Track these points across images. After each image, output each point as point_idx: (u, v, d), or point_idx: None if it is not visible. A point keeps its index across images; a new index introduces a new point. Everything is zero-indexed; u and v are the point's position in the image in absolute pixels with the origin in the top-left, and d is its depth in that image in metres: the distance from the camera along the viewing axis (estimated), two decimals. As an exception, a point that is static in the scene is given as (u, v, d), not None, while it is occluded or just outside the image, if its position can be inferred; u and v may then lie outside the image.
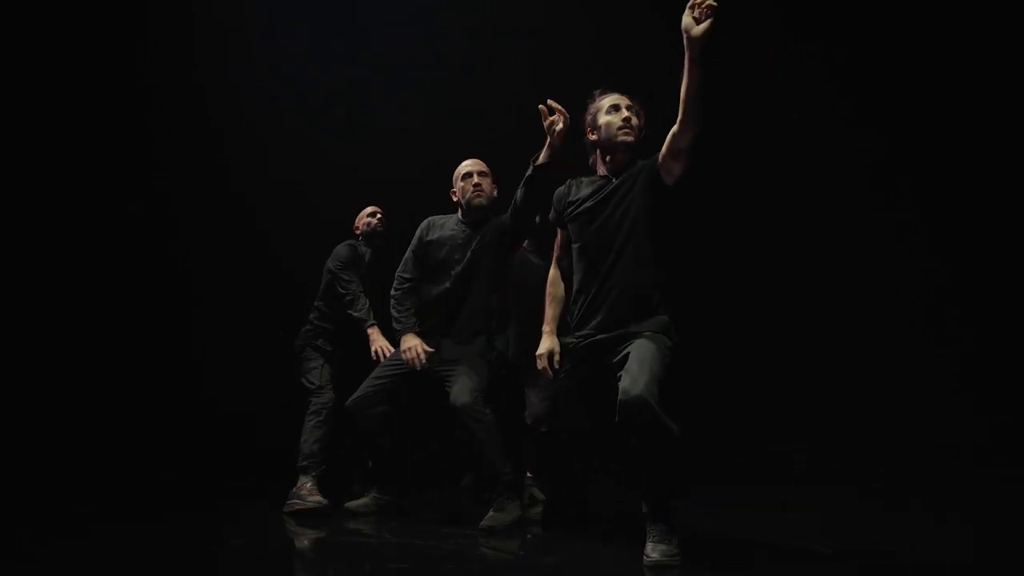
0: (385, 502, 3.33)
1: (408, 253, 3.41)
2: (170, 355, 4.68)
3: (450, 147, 3.63)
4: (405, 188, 4.64)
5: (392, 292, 3.38)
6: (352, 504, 3.37)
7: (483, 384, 3.10)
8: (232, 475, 4.31)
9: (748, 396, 4.50)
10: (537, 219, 3.31)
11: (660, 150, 2.49)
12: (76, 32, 4.48)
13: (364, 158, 4.86)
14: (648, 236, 2.52)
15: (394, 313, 3.33)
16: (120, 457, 4.27)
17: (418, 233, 3.40)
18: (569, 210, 2.68)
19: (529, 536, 2.90)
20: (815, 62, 4.67)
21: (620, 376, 2.34)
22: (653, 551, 2.28)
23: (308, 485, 3.42)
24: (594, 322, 2.58)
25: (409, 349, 3.18)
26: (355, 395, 3.24)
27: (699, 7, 2.17)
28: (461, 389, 3.03)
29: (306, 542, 2.88)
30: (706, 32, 2.17)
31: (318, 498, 3.37)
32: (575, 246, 2.68)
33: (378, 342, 3.59)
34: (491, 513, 2.95)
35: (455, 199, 3.37)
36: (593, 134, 2.65)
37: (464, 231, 3.29)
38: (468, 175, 3.28)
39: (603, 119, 2.60)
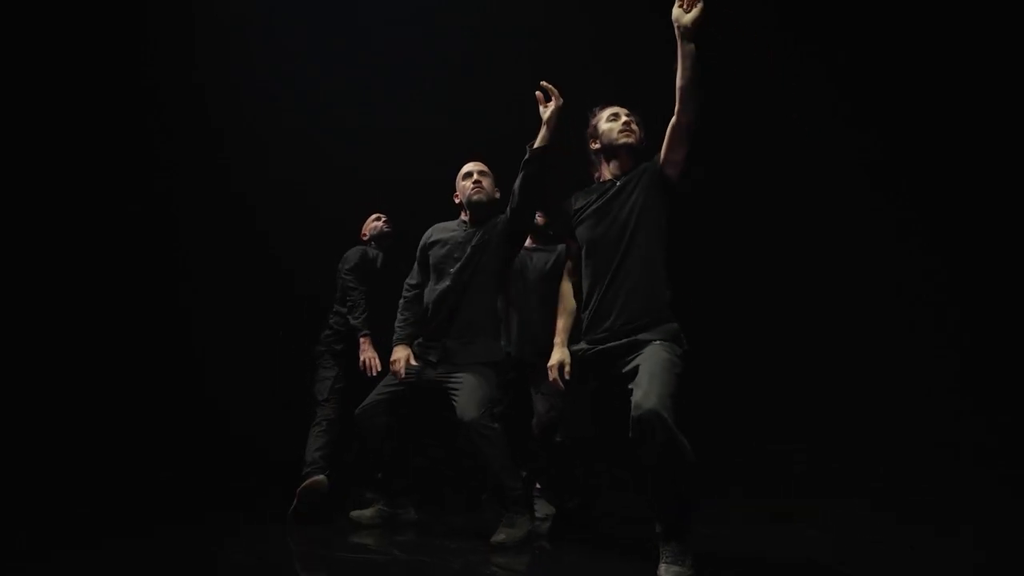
0: (390, 514, 3.30)
1: (416, 263, 3.44)
2: (169, 355, 4.67)
3: (450, 147, 3.64)
4: (404, 188, 4.66)
5: (400, 300, 3.41)
6: (357, 514, 3.35)
7: (490, 395, 3.04)
8: (231, 476, 4.30)
9: (748, 396, 4.50)
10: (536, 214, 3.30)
11: (661, 148, 2.52)
12: (76, 32, 4.48)
13: (364, 158, 4.86)
14: (654, 234, 2.53)
15: (396, 322, 3.35)
16: (119, 457, 4.26)
17: (422, 240, 3.41)
18: (576, 216, 2.71)
19: (539, 552, 2.82)
20: (815, 62, 4.67)
21: (631, 388, 2.33)
22: (666, 572, 2.23)
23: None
24: (604, 324, 2.56)
25: (395, 361, 3.22)
26: (363, 404, 3.25)
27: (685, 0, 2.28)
28: (468, 403, 2.96)
29: (311, 558, 2.79)
30: (696, 21, 2.27)
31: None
32: (583, 252, 2.68)
33: (367, 353, 3.70)
34: (501, 528, 2.89)
35: (457, 201, 3.38)
36: (595, 143, 2.71)
37: (465, 230, 3.29)
38: (468, 174, 3.29)
39: (603, 127, 2.69)
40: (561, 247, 3.68)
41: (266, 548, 2.86)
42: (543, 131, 2.91)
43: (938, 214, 4.42)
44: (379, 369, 3.70)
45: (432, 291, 3.26)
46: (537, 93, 2.88)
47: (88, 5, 4.48)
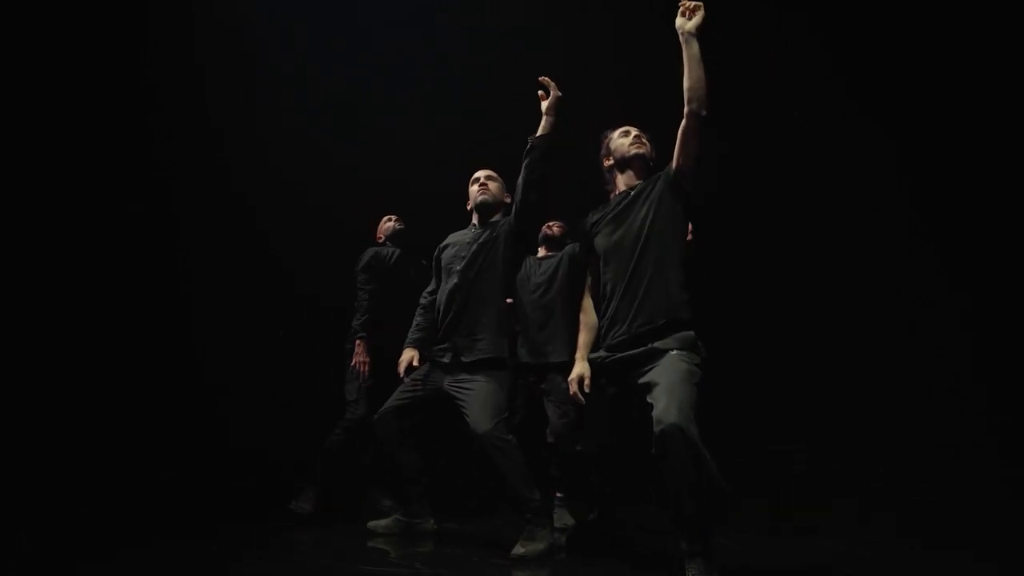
0: (407, 523, 3.27)
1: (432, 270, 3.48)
2: (169, 355, 4.66)
3: (451, 148, 3.64)
4: (402, 188, 4.67)
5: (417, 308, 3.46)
6: (374, 524, 3.33)
7: (502, 403, 3.02)
8: (231, 476, 4.29)
9: (748, 396, 4.49)
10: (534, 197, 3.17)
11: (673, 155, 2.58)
12: (76, 32, 4.47)
13: (364, 158, 4.86)
14: (669, 237, 2.56)
15: (411, 328, 3.39)
16: (119, 457, 4.25)
17: (436, 250, 3.44)
18: (593, 228, 2.76)
19: (560, 565, 2.79)
20: (814, 62, 4.67)
21: (649, 400, 2.34)
22: None
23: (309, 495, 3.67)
24: (621, 328, 2.56)
25: (400, 363, 3.26)
26: (381, 409, 3.25)
27: (687, 9, 2.46)
28: (480, 415, 2.94)
29: (335, 572, 2.69)
30: (696, 26, 2.44)
31: (308, 507, 3.63)
32: (601, 262, 2.71)
33: (358, 356, 3.82)
34: (521, 541, 2.85)
35: (468, 208, 3.40)
36: (609, 159, 2.79)
37: (472, 231, 3.31)
38: (476, 179, 3.34)
39: (616, 143, 2.78)
40: (564, 252, 3.75)
41: (285, 560, 2.80)
42: (543, 121, 2.98)
43: (937, 213, 4.42)
44: (367, 373, 3.84)
45: (442, 291, 3.27)
46: (539, 92, 2.97)
47: (88, 5, 4.48)
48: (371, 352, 3.87)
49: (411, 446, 3.21)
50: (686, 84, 2.44)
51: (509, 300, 3.75)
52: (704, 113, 2.44)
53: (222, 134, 4.83)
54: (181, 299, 4.78)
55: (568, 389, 3.56)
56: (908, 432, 4.22)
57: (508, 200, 3.31)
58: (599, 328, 2.70)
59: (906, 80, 4.51)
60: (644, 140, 2.75)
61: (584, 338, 2.79)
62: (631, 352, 2.50)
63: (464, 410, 3.00)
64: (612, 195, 2.82)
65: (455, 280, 3.19)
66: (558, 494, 3.39)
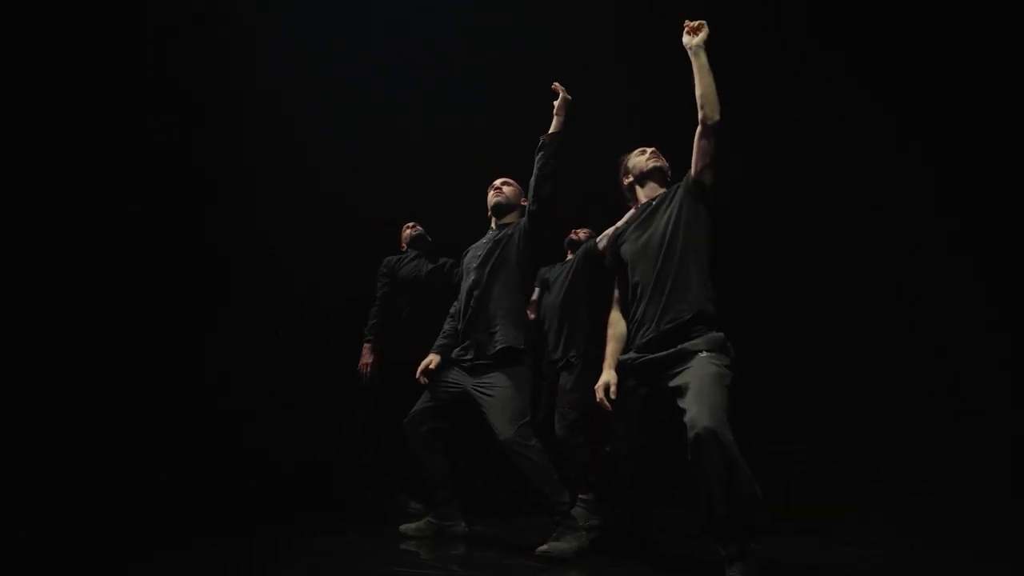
0: (439, 526, 3.28)
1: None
2: (171, 356, 4.68)
3: (456, 147, 3.65)
4: (400, 188, 4.68)
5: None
6: (406, 527, 3.34)
7: (523, 406, 3.04)
8: (232, 476, 4.31)
9: (748, 396, 4.48)
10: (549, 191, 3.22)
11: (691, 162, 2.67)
12: (73, 31, 4.49)
13: (364, 158, 4.86)
14: (692, 239, 2.61)
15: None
16: (124, 457, 4.27)
17: (461, 258, 3.51)
18: (619, 239, 2.83)
19: (588, 566, 2.78)
20: (815, 63, 4.67)
21: (680, 405, 2.38)
22: None
23: None
24: (648, 328, 2.59)
25: (420, 365, 3.31)
26: (410, 412, 3.29)
27: (692, 28, 2.62)
28: (501, 421, 2.97)
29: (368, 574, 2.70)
30: (702, 41, 2.60)
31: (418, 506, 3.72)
32: (629, 268, 2.75)
33: (363, 359, 4.04)
34: (549, 542, 2.84)
35: (488, 216, 3.45)
36: (628, 177, 2.90)
37: (490, 234, 3.38)
38: (492, 185, 3.41)
39: (633, 161, 2.89)
40: (580, 249, 3.86)
41: (323, 563, 2.78)
42: (554, 121, 3.13)
43: (937, 213, 4.42)
44: (368, 376, 4.02)
45: (461, 292, 3.33)
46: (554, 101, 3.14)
47: (103, 7, 4.53)
48: (376, 355, 4.02)
49: (439, 449, 3.24)
50: (697, 92, 2.57)
51: (534, 298, 3.93)
52: (716, 119, 2.55)
53: (227, 134, 4.84)
54: (184, 299, 4.79)
55: (568, 390, 3.67)
56: (908, 432, 4.22)
57: (524, 203, 3.35)
58: (628, 331, 2.74)
59: (904, 80, 4.51)
60: (659, 155, 2.87)
61: (611, 348, 2.81)
62: (660, 354, 2.53)
63: (486, 415, 3.03)
64: (632, 210, 2.91)
65: (472, 278, 3.26)
66: (581, 496, 3.40)
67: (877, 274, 4.55)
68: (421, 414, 3.24)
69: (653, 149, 2.89)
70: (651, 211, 2.74)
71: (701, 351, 2.45)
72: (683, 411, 2.35)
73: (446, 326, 3.40)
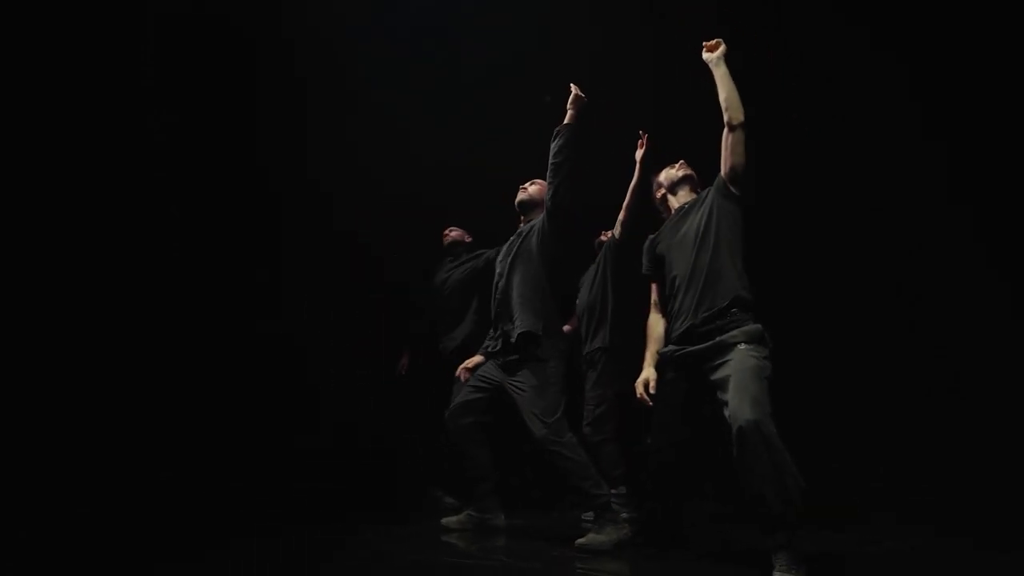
0: (479, 519, 3.34)
1: None
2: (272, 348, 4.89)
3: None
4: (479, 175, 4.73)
5: None
6: (447, 520, 3.41)
7: (554, 402, 3.10)
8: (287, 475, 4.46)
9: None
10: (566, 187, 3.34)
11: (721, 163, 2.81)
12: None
13: (444, 144, 4.93)
14: (724, 233, 2.71)
15: None
16: (171, 456, 4.42)
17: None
18: (656, 242, 2.96)
19: (628, 558, 2.83)
20: (814, 63, 4.68)
21: (721, 398, 2.45)
22: None
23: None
24: (686, 318, 2.68)
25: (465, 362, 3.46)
26: (451, 405, 3.38)
27: (710, 47, 2.83)
28: (533, 419, 3.06)
29: (437, 566, 2.75)
30: (721, 55, 2.80)
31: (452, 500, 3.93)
32: (666, 266, 2.86)
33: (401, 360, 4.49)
34: (589, 535, 2.92)
35: (517, 213, 3.59)
36: (660, 190, 3.06)
37: (519, 230, 3.51)
38: (521, 185, 3.57)
39: (664, 175, 3.06)
40: (602, 252, 4.03)
41: (386, 550, 2.90)
42: (568, 113, 3.29)
43: (936, 213, 4.42)
44: (404, 373, 4.41)
45: (493, 287, 3.46)
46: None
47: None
48: (408, 354, 4.47)
49: (481, 441, 3.32)
50: (721, 98, 2.75)
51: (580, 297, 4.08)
52: (741, 119, 2.70)
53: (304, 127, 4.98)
54: (284, 296, 5.02)
55: (592, 386, 3.79)
56: (908, 432, 4.22)
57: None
58: (668, 327, 2.84)
59: (904, 80, 4.52)
60: (688, 166, 3.04)
61: (651, 349, 2.91)
62: (700, 347, 2.61)
63: (521, 412, 3.12)
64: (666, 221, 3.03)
65: (497, 271, 3.44)
66: (613, 491, 3.42)
67: (877, 274, 4.55)
68: (463, 406, 3.31)
69: (682, 161, 3.05)
70: (684, 212, 2.88)
71: (740, 343, 2.52)
72: (724, 404, 2.42)
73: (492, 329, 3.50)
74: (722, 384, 2.47)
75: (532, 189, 3.51)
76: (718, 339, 2.56)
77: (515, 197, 3.55)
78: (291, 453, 4.63)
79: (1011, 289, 4.15)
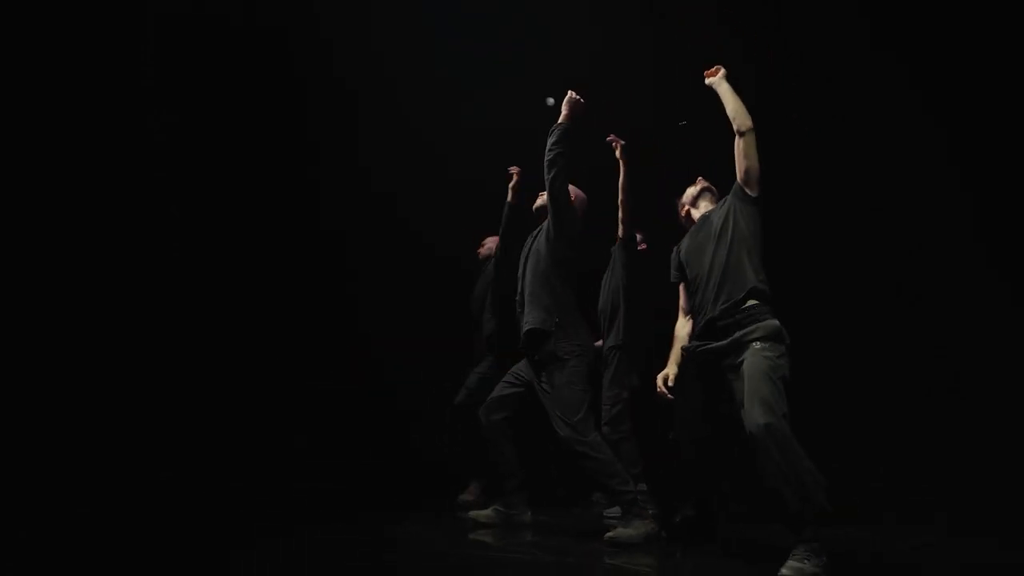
0: (506, 515, 3.42)
1: None
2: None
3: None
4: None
5: None
6: (476, 513, 3.52)
7: (576, 400, 3.17)
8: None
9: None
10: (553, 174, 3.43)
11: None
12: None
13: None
14: (740, 232, 2.82)
15: None
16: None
17: None
18: (681, 249, 3.08)
19: (657, 551, 2.91)
20: (814, 63, 4.68)
21: (738, 399, 2.57)
22: (786, 568, 2.32)
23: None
24: (705, 312, 2.79)
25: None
26: (487, 400, 3.51)
27: (711, 73, 3.01)
28: (557, 420, 3.15)
29: (482, 560, 2.85)
30: (722, 77, 2.98)
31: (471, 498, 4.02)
32: (688, 268, 2.99)
33: None
34: (618, 529, 3.01)
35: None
36: (684, 207, 3.21)
37: None
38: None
39: (686, 193, 3.22)
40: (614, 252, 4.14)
41: (427, 543, 3.02)
42: (562, 112, 3.42)
43: (935, 213, 4.42)
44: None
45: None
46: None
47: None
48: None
49: (508, 438, 3.42)
50: (728, 111, 2.91)
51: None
52: (749, 125, 2.85)
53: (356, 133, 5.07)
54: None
55: (608, 385, 3.88)
56: (908, 432, 4.22)
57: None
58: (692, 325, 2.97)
59: (903, 80, 4.52)
60: (705, 180, 3.19)
61: (675, 349, 3.07)
62: (718, 344, 2.71)
63: (548, 412, 3.22)
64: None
65: (518, 273, 3.55)
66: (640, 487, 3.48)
67: (877, 274, 4.54)
68: (498, 401, 3.44)
69: (699, 177, 3.20)
70: (705, 219, 3.03)
71: (755, 342, 2.61)
72: (740, 405, 2.53)
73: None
74: (737, 386, 2.58)
75: (546, 195, 3.61)
76: (736, 335, 2.65)
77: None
78: (314, 452, 4.69)
79: (1011, 289, 4.14)
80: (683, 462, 2.93)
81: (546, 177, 3.35)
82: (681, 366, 2.96)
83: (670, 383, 2.95)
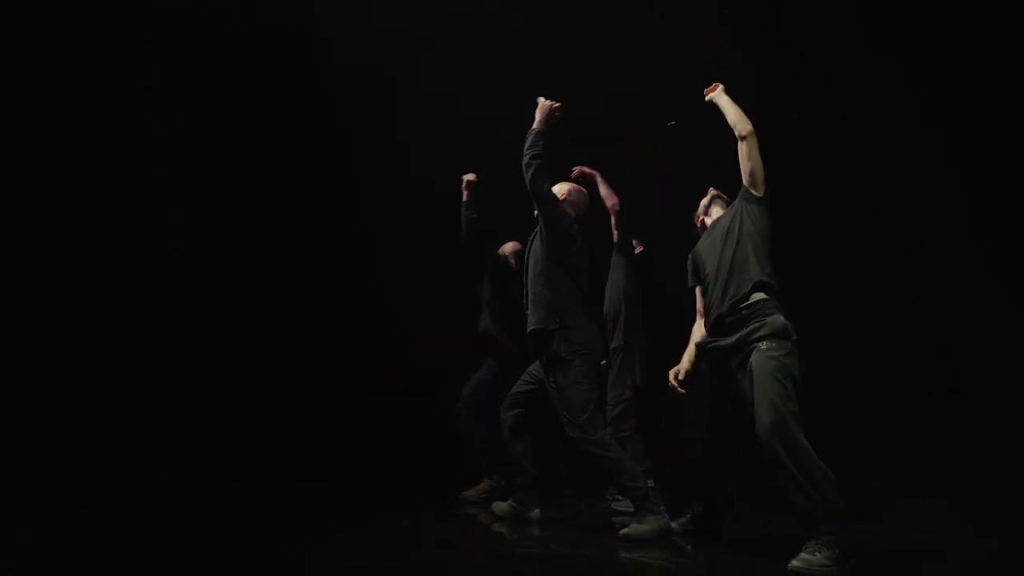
0: (519, 511, 3.50)
1: None
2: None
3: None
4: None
5: None
6: (495, 505, 3.62)
7: (582, 399, 3.19)
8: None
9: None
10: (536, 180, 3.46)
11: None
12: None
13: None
14: (747, 231, 2.92)
15: None
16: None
17: None
18: (694, 254, 3.18)
19: (670, 546, 2.97)
20: (815, 63, 4.68)
21: (744, 396, 2.66)
22: (796, 560, 2.40)
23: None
24: (715, 308, 2.89)
25: None
26: (505, 397, 3.61)
27: (710, 91, 3.15)
28: (566, 420, 3.20)
29: (502, 557, 2.91)
30: (721, 92, 3.12)
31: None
32: (700, 267, 3.09)
33: None
34: (631, 525, 3.06)
35: None
36: (700, 218, 3.35)
37: None
38: None
39: (701, 204, 3.35)
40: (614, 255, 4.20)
41: (452, 540, 3.09)
42: (536, 117, 3.47)
43: (935, 212, 4.42)
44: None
45: None
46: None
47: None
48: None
49: (521, 435, 3.52)
50: (728, 120, 3.04)
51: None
52: (749, 129, 2.97)
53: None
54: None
55: (611, 386, 3.96)
56: (908, 432, 4.22)
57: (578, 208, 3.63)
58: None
59: (903, 80, 4.52)
60: (715, 189, 3.34)
61: (690, 346, 3.21)
62: (726, 343, 2.81)
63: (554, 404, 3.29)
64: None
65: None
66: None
67: (877, 274, 4.54)
68: (514, 397, 3.56)
69: (710, 187, 3.35)
70: (715, 222, 3.14)
71: (761, 342, 2.69)
72: (750, 405, 2.61)
73: None
74: (745, 386, 2.67)
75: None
76: (742, 332, 2.74)
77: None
78: (322, 453, 4.67)
79: (1011, 289, 4.14)
80: (690, 461, 3.00)
81: (525, 179, 3.38)
82: (693, 363, 3.07)
83: (681, 377, 3.07)
